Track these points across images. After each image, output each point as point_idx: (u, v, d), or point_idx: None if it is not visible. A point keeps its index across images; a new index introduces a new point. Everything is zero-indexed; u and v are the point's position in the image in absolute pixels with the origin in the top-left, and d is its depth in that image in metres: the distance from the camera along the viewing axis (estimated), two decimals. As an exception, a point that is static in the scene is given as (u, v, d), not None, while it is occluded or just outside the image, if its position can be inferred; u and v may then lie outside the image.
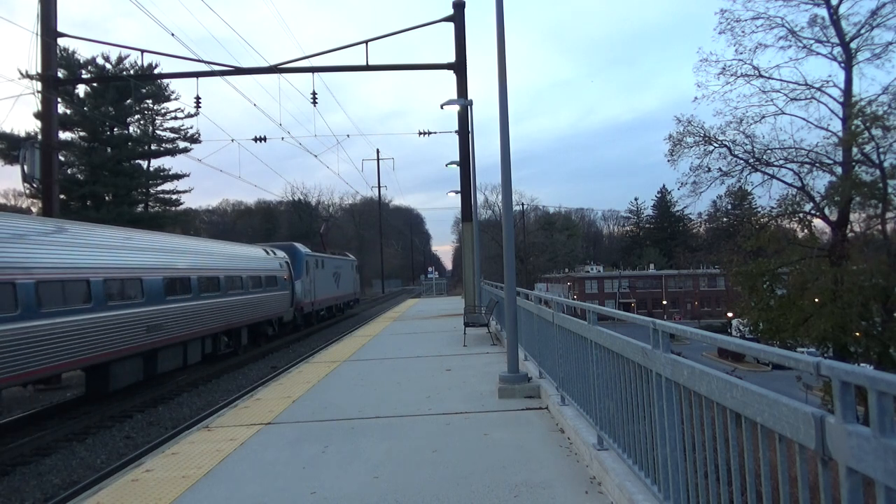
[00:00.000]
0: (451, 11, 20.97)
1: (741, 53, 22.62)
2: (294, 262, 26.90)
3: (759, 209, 25.64)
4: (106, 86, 45.54)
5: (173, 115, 51.93)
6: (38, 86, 20.22)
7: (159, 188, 52.60)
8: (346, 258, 41.97)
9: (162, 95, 50.47)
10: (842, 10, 21.21)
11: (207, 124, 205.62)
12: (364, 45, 20.16)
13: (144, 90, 45.86)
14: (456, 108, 18.88)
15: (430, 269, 73.41)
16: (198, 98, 21.27)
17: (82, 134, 46.60)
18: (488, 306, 15.86)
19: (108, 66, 46.70)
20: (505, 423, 6.86)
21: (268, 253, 24.03)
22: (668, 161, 24.05)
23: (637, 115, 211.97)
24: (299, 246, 29.46)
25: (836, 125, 21.36)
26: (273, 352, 22.70)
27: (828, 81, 21.49)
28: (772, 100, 22.46)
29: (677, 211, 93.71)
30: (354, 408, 8.06)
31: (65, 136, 42.95)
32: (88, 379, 13.45)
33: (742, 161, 23.10)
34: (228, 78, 20.99)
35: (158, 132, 52.48)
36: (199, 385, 16.29)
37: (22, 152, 19.38)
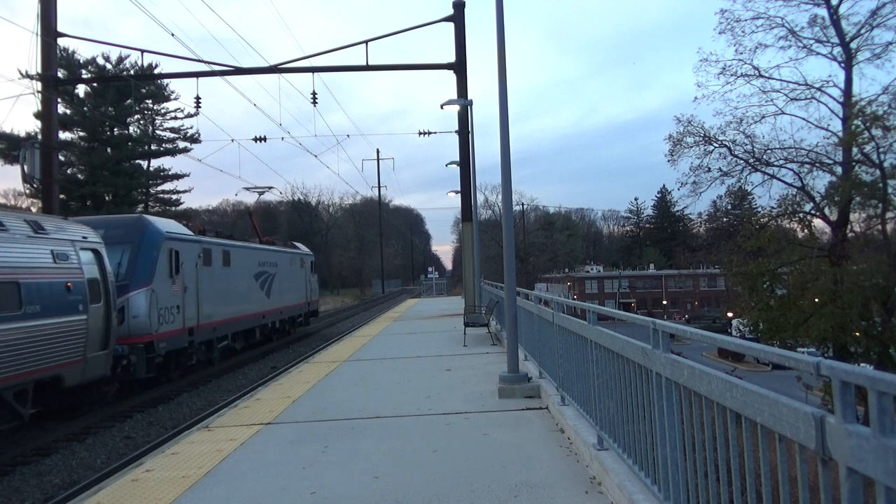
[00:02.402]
0: (451, 11, 20.97)
1: (741, 53, 22.59)
2: (137, 250, 14.49)
3: (759, 209, 25.63)
4: (106, 86, 45.59)
5: (173, 115, 52.06)
6: (38, 86, 20.23)
7: (159, 188, 52.72)
8: (291, 250, 27.19)
9: (162, 95, 50.52)
10: (842, 10, 21.19)
11: (207, 124, 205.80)
12: (364, 45, 20.16)
13: (144, 90, 45.88)
14: (456, 108, 18.90)
15: (430, 269, 73.55)
16: (198, 98, 21.28)
17: (82, 134, 46.68)
18: (488, 306, 15.86)
19: (108, 66, 46.78)
20: (505, 423, 6.86)
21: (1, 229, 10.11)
22: (669, 161, 24.00)
23: (639, 115, 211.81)
24: (156, 221, 16.00)
25: (836, 125, 21.35)
26: (273, 352, 22.70)
27: (828, 81, 21.47)
28: (772, 100, 22.44)
29: (677, 211, 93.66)
30: (354, 408, 8.06)
31: (65, 136, 42.98)
32: None
33: (742, 161, 23.08)
34: (228, 78, 21.00)
35: (158, 132, 52.57)
36: (199, 385, 16.29)
37: (22, 152, 19.39)
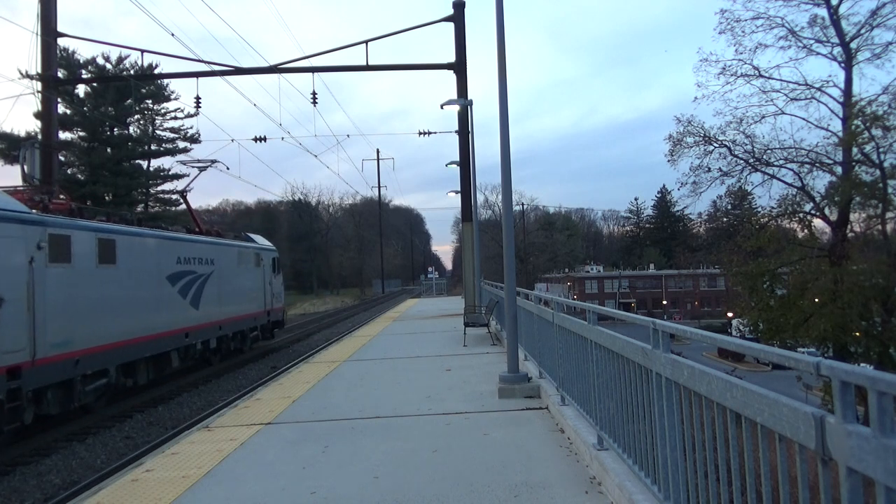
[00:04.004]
0: (451, 11, 20.96)
1: (741, 53, 22.56)
2: None
3: (759, 209, 25.60)
4: (106, 86, 45.59)
5: (173, 115, 52.06)
6: (38, 86, 20.24)
7: (159, 188, 52.67)
8: (239, 243, 21.32)
9: (162, 95, 50.53)
10: (842, 10, 21.17)
11: (207, 124, 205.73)
12: (364, 45, 20.17)
13: (144, 90, 45.90)
14: (456, 107, 18.89)
15: (430, 269, 73.51)
16: (198, 98, 21.28)
17: (82, 134, 46.67)
18: (488, 306, 15.86)
19: (108, 66, 46.78)
20: (505, 423, 6.86)
21: None
22: (668, 161, 23.95)
23: (639, 115, 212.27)
24: None
25: (836, 125, 21.33)
26: (273, 352, 22.70)
27: (828, 81, 21.46)
28: (772, 100, 22.42)
29: (677, 211, 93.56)
30: (354, 408, 8.06)
31: (65, 136, 42.96)
32: None
33: (742, 161, 23.06)
34: (228, 78, 20.99)
35: (158, 132, 52.57)
36: (199, 385, 16.29)
37: (22, 152, 19.40)
